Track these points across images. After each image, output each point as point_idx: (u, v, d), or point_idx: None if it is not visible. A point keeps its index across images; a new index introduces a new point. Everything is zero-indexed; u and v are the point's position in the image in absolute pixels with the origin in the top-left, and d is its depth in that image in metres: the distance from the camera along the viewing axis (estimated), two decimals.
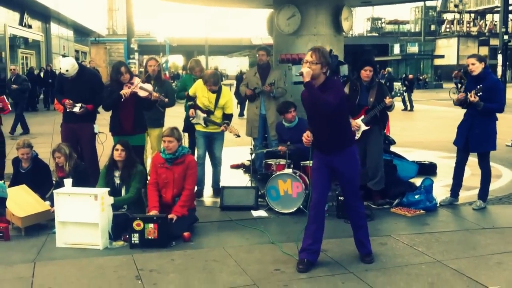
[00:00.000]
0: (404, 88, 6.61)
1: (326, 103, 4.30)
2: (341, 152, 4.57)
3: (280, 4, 9.24)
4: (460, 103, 6.38)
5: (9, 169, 7.76)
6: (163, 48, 48.15)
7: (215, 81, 6.89)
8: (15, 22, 23.01)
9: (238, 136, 6.94)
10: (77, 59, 33.44)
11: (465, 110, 6.48)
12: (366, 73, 6.42)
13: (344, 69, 7.45)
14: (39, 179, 6.37)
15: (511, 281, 4.33)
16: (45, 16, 27.23)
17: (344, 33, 9.79)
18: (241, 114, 17.32)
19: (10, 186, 6.21)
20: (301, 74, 4.35)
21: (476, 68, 6.29)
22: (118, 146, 5.87)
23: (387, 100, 6.31)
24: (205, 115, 6.93)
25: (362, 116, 6.47)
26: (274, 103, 7.74)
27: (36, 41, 26.32)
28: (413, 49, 49.68)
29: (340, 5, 9.38)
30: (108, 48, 49.36)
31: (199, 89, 7.02)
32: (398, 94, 6.45)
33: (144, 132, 6.86)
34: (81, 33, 37.23)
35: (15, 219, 5.59)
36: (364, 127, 6.47)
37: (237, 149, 10.06)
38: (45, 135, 13.06)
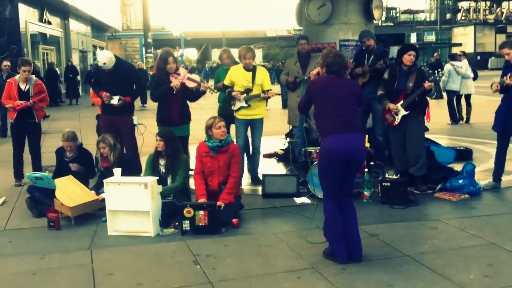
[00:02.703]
0: (440, 70, 6.57)
1: None
2: None
3: None
4: (499, 89, 6.39)
5: (46, 161, 7.90)
6: (178, 42, 48.37)
7: (252, 55, 6.95)
8: (35, 18, 23.16)
9: (279, 94, 6.95)
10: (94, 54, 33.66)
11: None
12: (410, 57, 6.40)
13: (394, 51, 7.42)
14: (84, 167, 6.45)
15: None
16: (64, 12, 27.34)
17: (374, 21, 9.74)
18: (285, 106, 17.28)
19: (54, 176, 6.30)
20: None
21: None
22: (157, 137, 5.95)
23: (426, 84, 6.29)
24: (244, 95, 6.96)
25: (401, 101, 6.45)
26: None
27: (55, 37, 26.46)
28: (430, 37, 49.40)
29: None
30: (124, 43, 49.56)
31: (234, 75, 6.99)
32: (438, 78, 6.45)
33: (189, 122, 6.87)
34: (98, 28, 37.34)
35: (64, 209, 5.66)
36: (403, 112, 6.45)
37: (269, 138, 10.08)
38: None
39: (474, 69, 13.64)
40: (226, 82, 7.09)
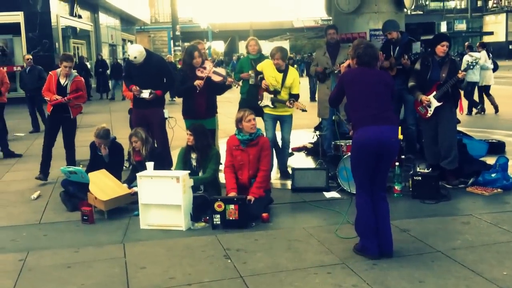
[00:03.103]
0: (475, 58, 6.49)
1: None
2: None
3: None
4: None
5: (79, 155, 8.02)
6: (205, 34, 48.39)
7: (283, 56, 6.85)
8: (66, 12, 23.45)
9: (305, 110, 6.91)
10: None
11: None
12: (443, 48, 6.34)
13: (417, 47, 7.34)
14: (116, 161, 6.54)
15: None
16: (94, 5, 27.66)
17: (405, 10, 9.61)
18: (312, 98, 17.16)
19: (88, 169, 6.40)
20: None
21: None
22: (188, 131, 6.01)
23: (460, 74, 6.23)
24: (272, 96, 6.94)
25: (434, 92, 6.39)
26: None
27: (86, 31, 26.80)
28: (461, 26, 48.50)
29: None
30: (152, 36, 49.90)
31: (266, 68, 6.97)
32: (471, 67, 6.39)
33: (215, 115, 6.92)
34: (127, 22, 37.66)
35: (98, 202, 5.77)
36: (436, 103, 6.39)
37: (297, 132, 10.05)
38: (105, 123, 13.31)
39: (494, 60, 13.66)
40: (260, 67, 7.07)
